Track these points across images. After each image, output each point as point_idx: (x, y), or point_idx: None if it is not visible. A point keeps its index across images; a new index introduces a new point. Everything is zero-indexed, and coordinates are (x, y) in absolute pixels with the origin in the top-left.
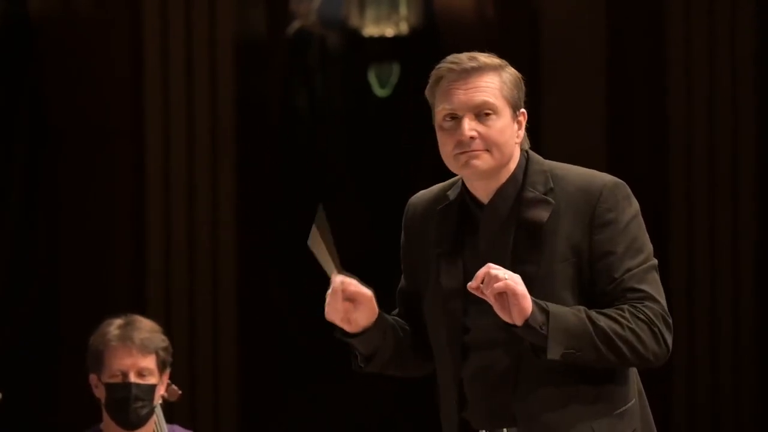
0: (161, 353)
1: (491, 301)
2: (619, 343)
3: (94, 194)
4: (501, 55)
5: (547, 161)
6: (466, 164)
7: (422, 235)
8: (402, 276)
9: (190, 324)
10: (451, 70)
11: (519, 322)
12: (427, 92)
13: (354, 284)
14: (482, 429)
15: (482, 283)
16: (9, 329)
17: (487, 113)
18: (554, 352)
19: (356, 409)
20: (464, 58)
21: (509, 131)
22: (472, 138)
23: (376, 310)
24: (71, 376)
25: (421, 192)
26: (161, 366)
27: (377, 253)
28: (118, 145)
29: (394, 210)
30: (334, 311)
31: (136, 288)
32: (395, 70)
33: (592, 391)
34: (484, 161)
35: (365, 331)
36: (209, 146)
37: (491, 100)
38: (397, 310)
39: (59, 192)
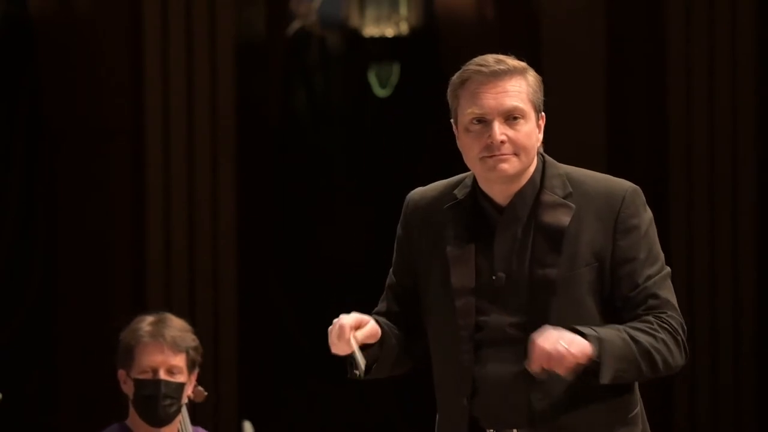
0: (191, 352)
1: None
2: (656, 358)
3: (94, 195)
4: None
5: (561, 164)
6: (494, 168)
7: (425, 232)
8: (392, 271)
9: (190, 324)
10: (478, 72)
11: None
12: (449, 94)
13: (359, 331)
14: (491, 429)
15: (544, 363)
16: (8, 330)
17: (516, 117)
18: (606, 377)
19: (355, 408)
20: (491, 61)
21: (534, 135)
22: (502, 142)
23: (379, 333)
24: (70, 376)
25: (421, 189)
26: (190, 365)
27: (377, 252)
28: (118, 146)
29: (394, 209)
30: (340, 348)
31: (136, 288)
32: (395, 70)
33: (608, 395)
34: (511, 165)
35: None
36: (209, 146)
37: (521, 105)
38: (383, 306)
39: (58, 192)
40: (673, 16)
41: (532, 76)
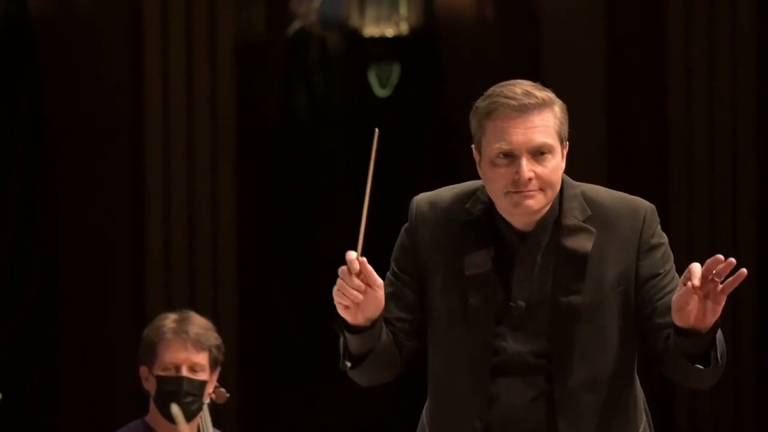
0: (214, 351)
1: (719, 299)
2: (723, 360)
3: (93, 195)
4: (501, 55)
5: (575, 182)
6: (519, 203)
7: (435, 245)
8: (392, 277)
9: None
10: (506, 105)
11: (710, 323)
12: (472, 121)
13: (369, 266)
14: None
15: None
16: (8, 330)
17: (543, 153)
18: (715, 358)
19: (355, 409)
20: (519, 93)
21: (560, 169)
22: (529, 179)
23: (383, 302)
24: (70, 376)
25: (428, 196)
26: (213, 364)
27: (377, 253)
28: (118, 146)
29: (394, 210)
30: (345, 290)
31: (136, 288)
32: (395, 70)
33: (621, 414)
34: (537, 201)
35: (367, 328)
36: (209, 146)
37: (549, 141)
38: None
39: (58, 192)
40: (673, 16)
41: (558, 107)
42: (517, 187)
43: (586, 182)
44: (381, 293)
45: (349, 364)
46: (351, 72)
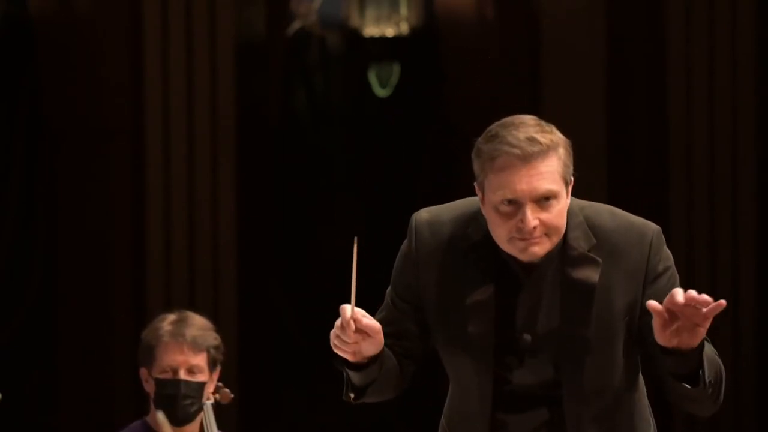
0: (212, 351)
1: (703, 324)
2: (723, 384)
3: (93, 195)
4: (501, 55)
5: (576, 203)
6: (524, 250)
7: (435, 269)
8: (390, 302)
9: None
10: (510, 154)
11: (694, 345)
12: (475, 161)
13: (365, 317)
14: None
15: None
16: (8, 330)
17: (548, 198)
18: (703, 379)
19: (355, 409)
20: (523, 140)
21: (565, 210)
22: (534, 227)
23: (383, 342)
24: (70, 376)
25: (428, 217)
26: (212, 364)
27: (376, 253)
28: (118, 146)
29: (393, 210)
30: (342, 344)
31: (136, 288)
32: (395, 70)
33: None
34: (542, 247)
35: (368, 364)
36: (209, 146)
37: (554, 187)
38: (384, 328)
39: (58, 192)
40: (673, 16)
41: (563, 148)
42: (522, 234)
43: (586, 182)
44: (380, 337)
45: (352, 396)
46: (351, 72)
